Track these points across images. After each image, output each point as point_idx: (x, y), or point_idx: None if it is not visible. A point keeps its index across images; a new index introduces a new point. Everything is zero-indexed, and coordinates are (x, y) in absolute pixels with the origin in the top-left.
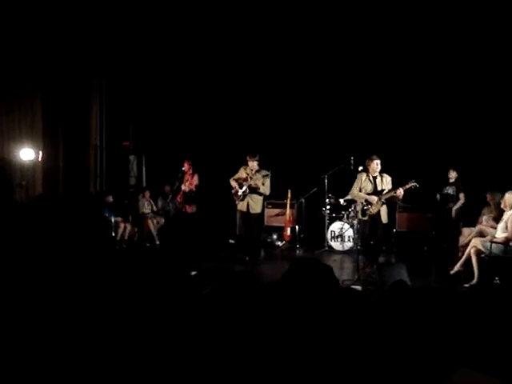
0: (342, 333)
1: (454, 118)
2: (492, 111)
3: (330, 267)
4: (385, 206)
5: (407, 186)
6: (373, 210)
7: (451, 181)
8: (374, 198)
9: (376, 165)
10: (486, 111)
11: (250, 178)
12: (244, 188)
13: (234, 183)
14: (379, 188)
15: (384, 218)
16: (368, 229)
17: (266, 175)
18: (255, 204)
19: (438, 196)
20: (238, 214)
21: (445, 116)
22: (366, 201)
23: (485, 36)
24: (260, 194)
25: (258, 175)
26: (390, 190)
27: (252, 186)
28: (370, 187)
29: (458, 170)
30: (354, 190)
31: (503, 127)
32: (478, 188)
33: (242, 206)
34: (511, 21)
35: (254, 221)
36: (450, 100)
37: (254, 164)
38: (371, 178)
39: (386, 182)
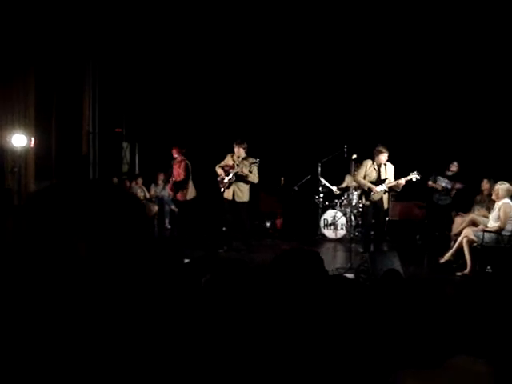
0: (333, 321)
1: (450, 106)
2: (488, 101)
3: (318, 254)
4: (386, 193)
5: (409, 178)
6: (375, 196)
7: (450, 174)
8: (377, 188)
9: (383, 158)
10: (483, 101)
11: (237, 165)
12: (230, 175)
13: (220, 170)
14: (383, 176)
15: (386, 204)
16: (370, 214)
17: (254, 163)
18: (241, 192)
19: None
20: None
21: (440, 104)
22: (369, 188)
23: (485, 30)
24: (247, 183)
25: (246, 162)
26: (394, 180)
27: (239, 173)
28: (374, 175)
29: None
30: (359, 176)
31: (499, 118)
32: (472, 177)
33: (227, 193)
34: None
35: (241, 209)
36: (445, 87)
37: (240, 151)
38: (376, 166)
39: (389, 171)
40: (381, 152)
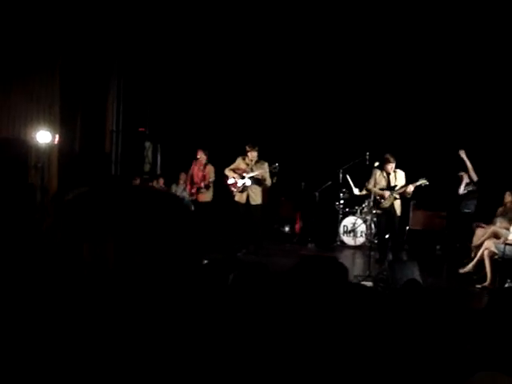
0: (351, 329)
1: (473, 115)
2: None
3: (345, 267)
4: (398, 201)
5: (417, 183)
6: (385, 203)
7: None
8: (387, 193)
9: (390, 167)
10: (507, 109)
11: (251, 169)
12: (246, 179)
13: (231, 173)
14: (392, 184)
15: (398, 211)
16: (384, 222)
17: (274, 168)
18: (255, 195)
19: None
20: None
21: (463, 113)
22: (380, 195)
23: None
24: (261, 186)
25: (259, 165)
26: (402, 186)
27: (256, 177)
28: (383, 182)
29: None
30: (369, 184)
31: None
32: (494, 188)
33: (240, 197)
34: None
35: (256, 212)
36: (468, 97)
37: (254, 154)
38: (385, 174)
39: (399, 178)
40: (387, 161)
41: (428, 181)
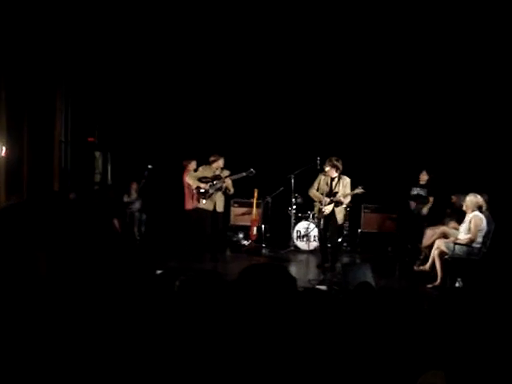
0: (304, 334)
1: (424, 118)
2: (461, 113)
3: (285, 268)
4: (341, 208)
5: (354, 192)
6: (325, 210)
7: (422, 183)
8: (326, 200)
9: (330, 172)
10: (455, 113)
11: (222, 176)
12: (218, 186)
13: (197, 182)
14: (335, 190)
15: (339, 218)
16: (323, 228)
17: (250, 172)
18: (221, 203)
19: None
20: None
21: (414, 117)
22: (319, 200)
23: (463, 39)
24: (225, 193)
25: (225, 173)
26: (346, 195)
27: (225, 185)
28: (325, 188)
29: (430, 173)
30: (312, 188)
31: (472, 129)
32: (443, 190)
33: (207, 205)
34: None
35: (220, 219)
36: (420, 101)
37: (221, 163)
38: (328, 180)
39: (343, 185)
40: (330, 166)
41: (364, 189)
